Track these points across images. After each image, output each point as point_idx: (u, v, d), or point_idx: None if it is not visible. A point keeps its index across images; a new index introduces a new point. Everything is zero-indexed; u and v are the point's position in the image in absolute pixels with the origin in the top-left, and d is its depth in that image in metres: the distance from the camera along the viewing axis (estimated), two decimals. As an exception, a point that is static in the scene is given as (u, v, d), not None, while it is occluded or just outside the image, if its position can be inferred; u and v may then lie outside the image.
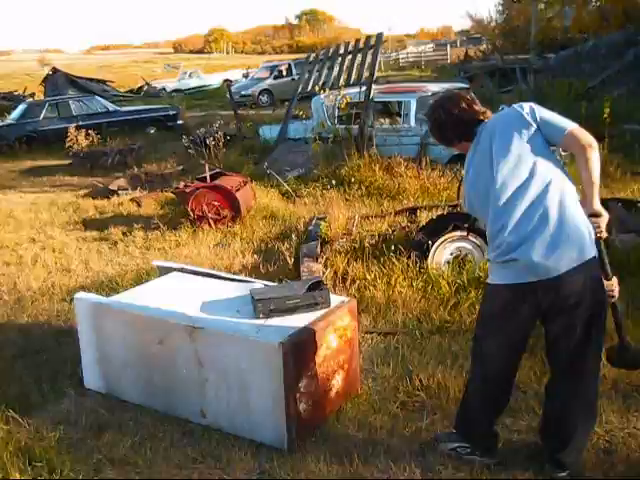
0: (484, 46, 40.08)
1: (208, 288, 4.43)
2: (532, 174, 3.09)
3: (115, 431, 3.95)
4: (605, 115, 10.72)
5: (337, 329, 3.94)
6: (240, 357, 3.66)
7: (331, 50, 13.18)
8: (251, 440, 3.76)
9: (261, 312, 3.88)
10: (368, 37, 12.22)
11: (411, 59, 46.20)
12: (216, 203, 8.32)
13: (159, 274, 4.96)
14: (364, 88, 11.49)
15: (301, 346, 3.61)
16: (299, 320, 3.82)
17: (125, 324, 4.11)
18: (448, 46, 48.96)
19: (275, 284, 4.66)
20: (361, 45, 12.25)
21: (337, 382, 3.98)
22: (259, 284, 4.45)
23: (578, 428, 3.36)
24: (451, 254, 6.16)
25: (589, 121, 11.39)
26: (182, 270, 4.81)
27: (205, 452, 3.72)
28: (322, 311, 3.93)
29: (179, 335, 3.84)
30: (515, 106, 3.26)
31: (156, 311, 4.03)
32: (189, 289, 4.42)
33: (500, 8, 38.80)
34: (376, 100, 11.68)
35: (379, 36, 11.80)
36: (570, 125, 3.14)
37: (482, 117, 3.32)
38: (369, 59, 11.79)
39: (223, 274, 4.86)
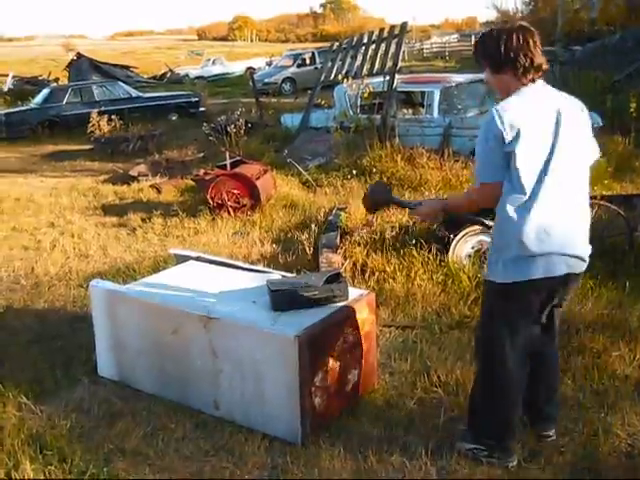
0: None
1: (224, 278, 4.36)
2: (583, 172, 3.18)
3: (128, 421, 3.89)
4: (632, 110, 10.54)
5: (355, 322, 3.86)
6: (255, 349, 3.59)
7: (355, 39, 13.06)
8: (264, 434, 3.68)
9: (277, 304, 3.80)
10: (392, 26, 12.08)
11: (435, 49, 45.83)
12: (236, 191, 8.25)
13: (176, 262, 4.91)
14: (387, 78, 11.37)
15: (317, 339, 3.53)
16: (316, 313, 3.73)
17: (140, 312, 4.06)
18: (473, 37, 48.46)
19: (292, 275, 4.58)
20: (385, 34, 12.11)
21: (353, 376, 3.91)
22: (276, 275, 4.37)
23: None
24: (472, 248, 6.05)
25: (615, 114, 11.27)
26: (199, 259, 4.75)
27: (218, 445, 3.66)
28: (340, 304, 3.85)
29: (194, 325, 3.78)
30: (577, 100, 3.24)
31: (171, 300, 3.97)
32: (205, 278, 4.35)
33: (527, -1, 38.35)
34: (399, 90, 11.56)
35: (403, 25, 11.65)
36: None
37: (539, 76, 3.16)
38: (393, 48, 11.66)
39: (240, 264, 4.80)
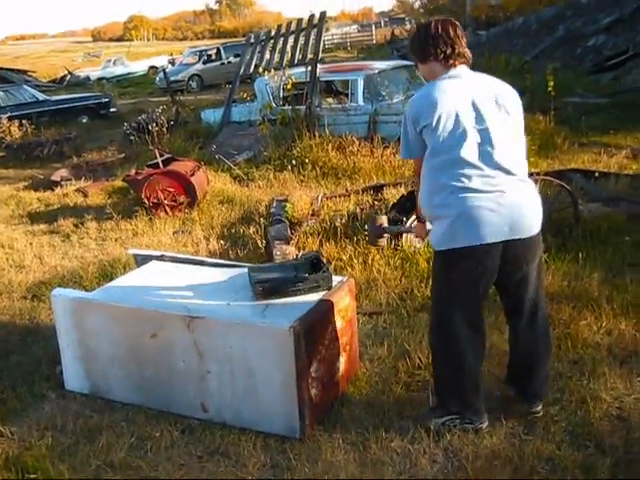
0: (408, 26, 40.26)
1: (195, 275, 4.17)
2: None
3: (109, 434, 3.67)
4: (550, 88, 10.82)
5: (340, 310, 3.77)
6: (246, 345, 3.45)
7: (273, 31, 12.91)
8: (257, 432, 3.55)
9: (261, 295, 3.66)
10: (311, 16, 11.99)
11: (336, 41, 46.02)
12: (171, 189, 7.99)
13: (137, 264, 4.67)
14: (309, 68, 11.29)
15: (310, 329, 3.42)
16: (303, 302, 3.63)
17: (112, 319, 3.82)
18: (373, 27, 49.10)
19: (270, 264, 4.44)
20: (304, 25, 12.01)
21: (341, 365, 3.82)
22: (247, 267, 4.21)
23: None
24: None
25: (532, 94, 11.57)
26: (162, 258, 4.53)
27: (210, 449, 3.50)
28: (325, 291, 3.75)
29: (175, 326, 3.59)
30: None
31: (147, 302, 3.75)
32: (175, 277, 4.15)
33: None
34: (322, 79, 11.51)
35: (322, 15, 11.59)
36: None
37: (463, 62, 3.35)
38: (313, 38, 11.58)
39: (207, 260, 4.62)
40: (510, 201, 3.17)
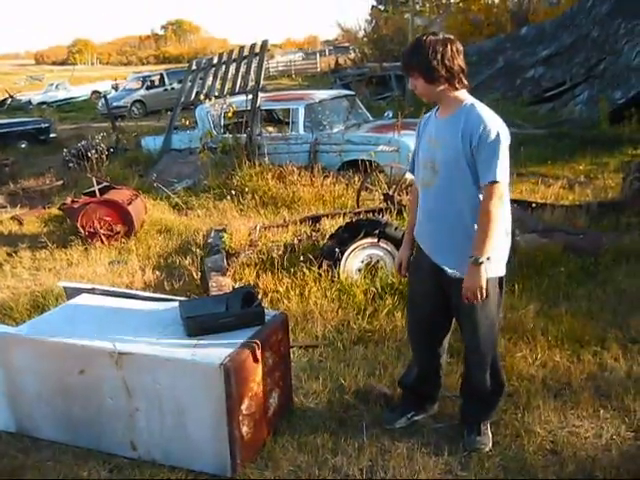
0: (352, 55, 40.76)
1: (126, 309, 4.09)
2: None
3: (34, 475, 3.55)
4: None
5: (272, 345, 3.74)
6: (175, 382, 3.38)
7: (215, 58, 12.92)
8: (188, 471, 3.48)
9: (192, 330, 3.61)
10: (253, 45, 12.04)
11: (280, 68, 46.32)
12: (108, 218, 7.86)
13: (67, 297, 4.56)
14: (250, 96, 11.31)
15: (242, 366, 3.37)
16: (234, 337, 3.57)
17: (39, 354, 3.71)
18: (317, 55, 49.58)
19: (202, 298, 4.39)
20: (246, 53, 12.05)
21: (274, 400, 3.78)
22: (180, 300, 4.16)
23: None
24: (362, 262, 6.07)
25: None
26: (93, 291, 4.43)
27: (139, 489, 3.43)
28: (257, 327, 3.71)
29: (103, 363, 3.50)
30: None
31: (74, 338, 3.64)
32: (106, 311, 4.06)
33: (369, 18, 39.54)
34: (263, 108, 11.54)
35: (264, 43, 11.66)
36: None
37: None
38: (255, 66, 11.63)
39: (139, 293, 4.54)
40: None
